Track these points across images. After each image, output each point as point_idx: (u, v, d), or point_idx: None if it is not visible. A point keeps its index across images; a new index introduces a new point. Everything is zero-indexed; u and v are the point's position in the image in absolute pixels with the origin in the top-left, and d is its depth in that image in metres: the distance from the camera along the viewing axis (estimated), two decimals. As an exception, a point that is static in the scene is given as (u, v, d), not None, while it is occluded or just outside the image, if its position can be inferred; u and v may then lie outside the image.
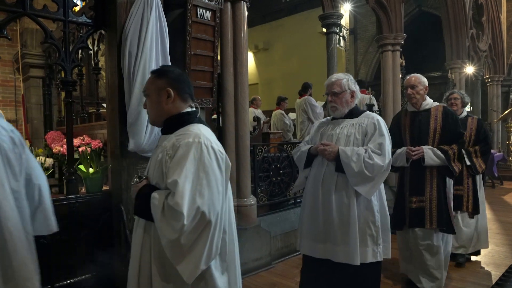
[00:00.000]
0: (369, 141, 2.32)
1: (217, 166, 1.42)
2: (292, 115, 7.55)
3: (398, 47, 5.83)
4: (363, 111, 2.50)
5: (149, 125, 2.42)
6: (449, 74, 8.11)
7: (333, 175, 2.34)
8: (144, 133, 2.41)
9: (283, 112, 7.06)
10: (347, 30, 11.49)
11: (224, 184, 1.47)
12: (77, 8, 4.81)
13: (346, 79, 2.42)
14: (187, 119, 1.53)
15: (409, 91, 3.05)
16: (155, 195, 1.41)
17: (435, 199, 2.93)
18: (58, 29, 3.65)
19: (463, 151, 3.32)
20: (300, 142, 3.12)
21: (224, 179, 1.46)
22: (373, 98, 6.42)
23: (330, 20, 5.28)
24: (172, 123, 1.53)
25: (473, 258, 3.78)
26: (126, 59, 2.44)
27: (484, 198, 3.82)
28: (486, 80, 10.17)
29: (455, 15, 7.83)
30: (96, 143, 3.20)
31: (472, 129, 3.66)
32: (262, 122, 5.66)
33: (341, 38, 9.62)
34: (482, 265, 3.67)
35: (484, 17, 9.31)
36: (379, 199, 2.39)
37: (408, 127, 3.09)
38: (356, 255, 2.24)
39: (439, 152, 2.88)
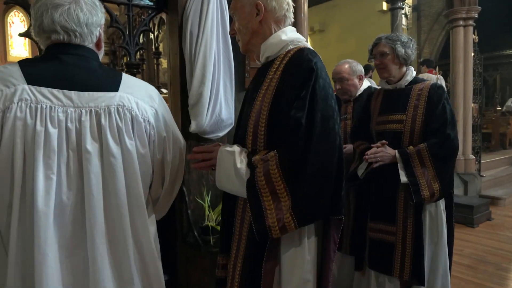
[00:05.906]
0: None
1: None
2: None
3: (471, 22, 5.31)
4: None
5: (211, 107, 2.41)
6: (529, 51, 7.30)
7: None
8: (206, 114, 2.40)
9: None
10: (409, 7, 10.75)
11: None
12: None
13: None
14: None
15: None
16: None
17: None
18: (122, 14, 3.75)
19: (397, 154, 1.98)
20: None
21: None
22: (441, 78, 5.95)
23: (394, -5, 4.92)
24: None
25: None
26: (188, 40, 2.43)
27: (446, 260, 2.00)
28: None
29: (538, -16, 6.98)
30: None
31: (418, 107, 1.97)
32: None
33: (403, 16, 9.02)
34: None
35: None
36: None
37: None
38: None
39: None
